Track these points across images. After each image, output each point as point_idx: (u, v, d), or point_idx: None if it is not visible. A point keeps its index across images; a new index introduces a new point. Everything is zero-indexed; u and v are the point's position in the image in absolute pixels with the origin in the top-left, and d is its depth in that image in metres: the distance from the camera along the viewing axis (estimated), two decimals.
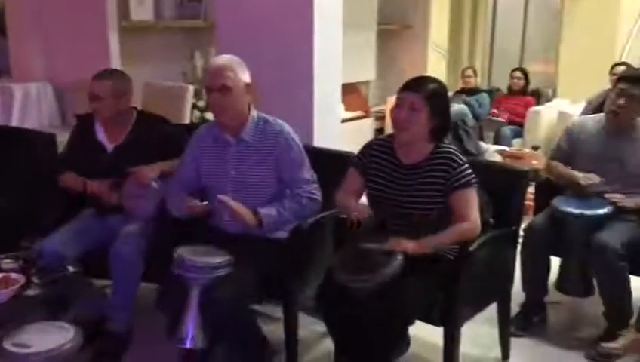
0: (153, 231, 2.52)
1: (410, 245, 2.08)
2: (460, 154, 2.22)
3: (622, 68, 5.20)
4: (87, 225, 2.60)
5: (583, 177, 2.76)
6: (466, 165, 2.19)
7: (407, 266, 2.05)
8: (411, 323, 2.27)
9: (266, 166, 2.35)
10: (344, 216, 2.28)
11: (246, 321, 2.18)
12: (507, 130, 6.06)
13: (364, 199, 2.36)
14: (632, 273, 2.62)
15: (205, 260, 2.11)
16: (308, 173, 2.38)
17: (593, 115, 3.12)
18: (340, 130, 3.25)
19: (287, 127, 2.40)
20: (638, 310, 2.54)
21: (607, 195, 2.72)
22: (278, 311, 2.53)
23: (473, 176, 2.18)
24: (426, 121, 2.15)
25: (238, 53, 2.39)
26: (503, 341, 2.61)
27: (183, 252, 2.14)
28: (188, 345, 2.09)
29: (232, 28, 3.15)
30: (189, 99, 4.17)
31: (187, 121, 4.10)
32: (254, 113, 2.40)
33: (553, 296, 2.96)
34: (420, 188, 2.18)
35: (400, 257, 2.05)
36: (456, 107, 5.02)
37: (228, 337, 2.21)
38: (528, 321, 2.85)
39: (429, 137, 2.19)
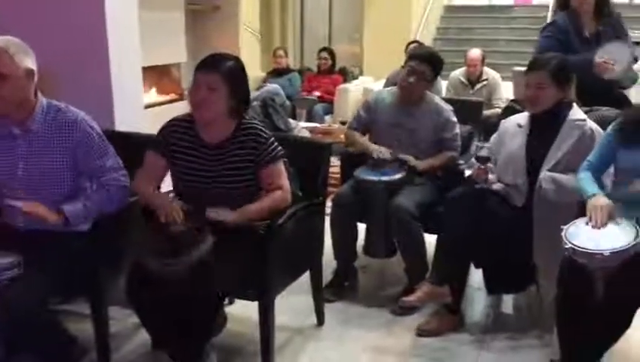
0: None
1: (227, 215, 2.09)
2: (264, 129, 2.25)
3: (415, 45, 5.65)
4: None
5: (376, 150, 2.98)
6: (272, 139, 2.23)
7: (218, 244, 2.04)
8: (232, 301, 2.25)
9: (61, 158, 2.16)
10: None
11: (45, 323, 2.01)
12: (319, 107, 6.32)
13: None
14: (425, 231, 2.90)
15: None
16: (112, 160, 2.25)
17: (389, 88, 3.36)
18: (147, 114, 3.14)
19: (82, 115, 2.22)
20: (431, 264, 2.81)
21: (400, 156, 2.97)
22: (88, 308, 2.39)
23: (280, 149, 2.24)
24: (226, 100, 2.15)
25: (18, 36, 2.17)
26: (317, 308, 2.74)
27: None
28: None
29: (8, 6, 2.84)
30: None
31: None
32: (43, 101, 2.18)
33: (362, 260, 3.18)
34: (227, 166, 2.19)
35: (210, 237, 2.04)
36: (269, 86, 5.12)
37: (27, 344, 2.02)
38: (340, 286, 3.03)
39: (231, 114, 2.19)
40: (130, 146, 2.51)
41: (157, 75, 5.90)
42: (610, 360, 2.23)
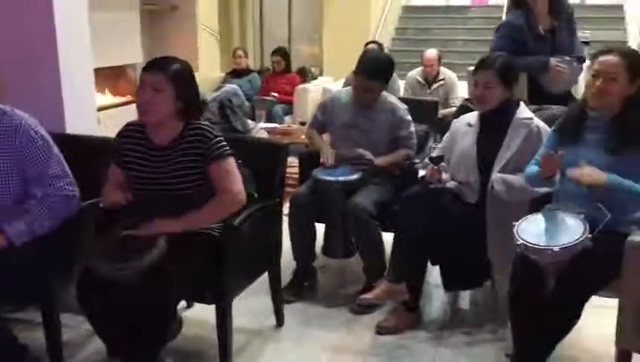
0: None
1: (173, 225, 2.07)
2: (211, 128, 2.21)
3: (373, 45, 5.69)
4: None
5: (324, 154, 3.04)
6: (220, 137, 2.19)
7: (173, 247, 2.02)
8: (191, 305, 2.15)
9: (10, 160, 2.11)
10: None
11: None
12: (278, 108, 6.28)
13: None
14: (383, 230, 2.91)
15: None
16: (57, 168, 2.19)
17: (347, 88, 3.37)
18: (101, 116, 3.08)
19: (27, 119, 2.17)
20: (389, 263, 2.82)
21: (358, 150, 2.98)
22: (39, 315, 2.32)
23: (227, 147, 2.19)
24: (172, 101, 2.12)
25: None
26: (276, 309, 2.73)
27: None
28: None
29: None
30: None
31: None
32: None
33: (321, 260, 3.18)
34: (176, 166, 2.15)
35: (162, 241, 2.01)
36: (227, 87, 5.09)
37: None
38: (300, 287, 3.02)
39: (178, 116, 2.17)
40: (81, 149, 2.47)
41: (112, 76, 5.80)
42: (561, 351, 2.29)
